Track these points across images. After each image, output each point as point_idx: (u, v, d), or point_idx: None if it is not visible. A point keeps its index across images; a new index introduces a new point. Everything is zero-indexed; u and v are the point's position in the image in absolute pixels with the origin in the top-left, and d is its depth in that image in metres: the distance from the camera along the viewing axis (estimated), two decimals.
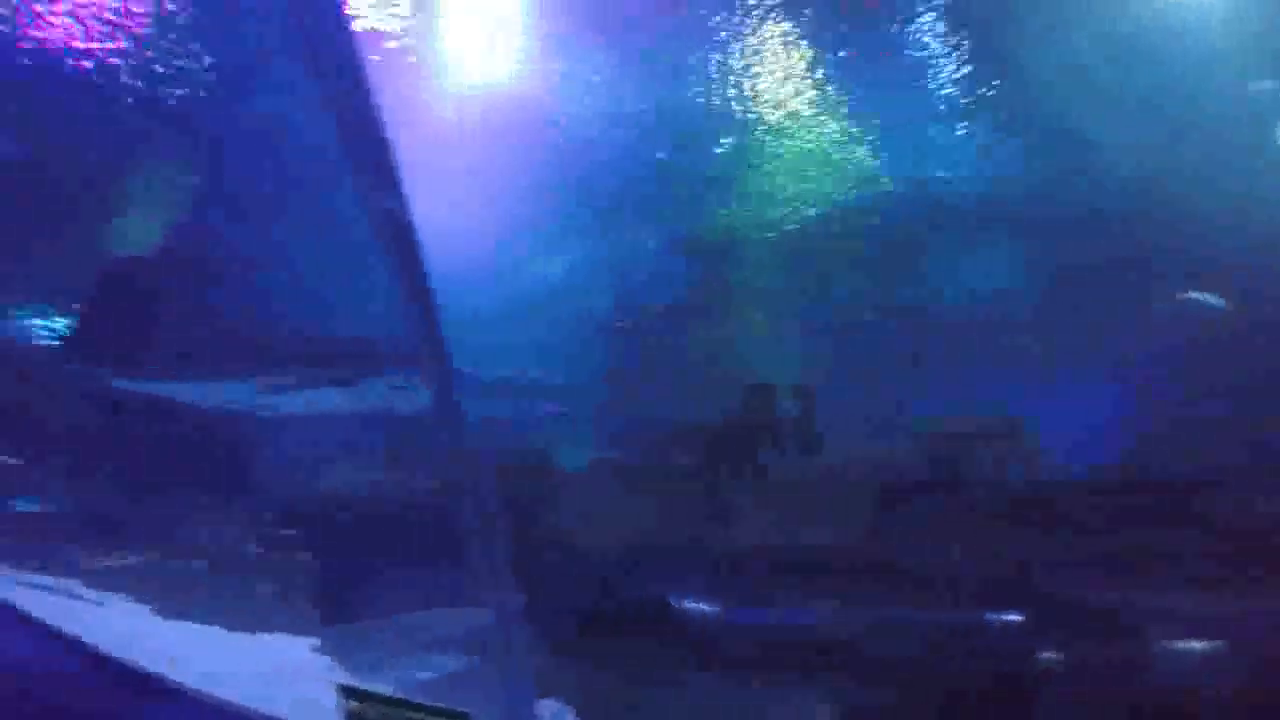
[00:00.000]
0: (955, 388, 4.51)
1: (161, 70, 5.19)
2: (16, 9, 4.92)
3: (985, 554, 4.19)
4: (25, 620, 4.48)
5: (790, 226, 5.25)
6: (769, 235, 5.08)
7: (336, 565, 5.35)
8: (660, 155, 4.92)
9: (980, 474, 4.36)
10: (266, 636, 5.20)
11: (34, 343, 6.13)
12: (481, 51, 4.69)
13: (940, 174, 5.17)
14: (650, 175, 4.98)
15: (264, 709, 3.98)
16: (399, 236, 3.11)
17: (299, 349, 5.60)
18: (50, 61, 5.06)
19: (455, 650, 4.30)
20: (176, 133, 5.39)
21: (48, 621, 4.41)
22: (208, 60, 4.92)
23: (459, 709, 2.60)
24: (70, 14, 4.93)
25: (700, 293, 4.92)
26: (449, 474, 3.94)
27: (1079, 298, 5.10)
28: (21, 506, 6.29)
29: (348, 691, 2.63)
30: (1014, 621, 4.08)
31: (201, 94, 5.25)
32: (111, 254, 5.80)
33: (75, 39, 5.01)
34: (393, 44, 4.35)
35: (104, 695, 3.83)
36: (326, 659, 4.73)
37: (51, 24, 5.02)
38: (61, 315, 6.05)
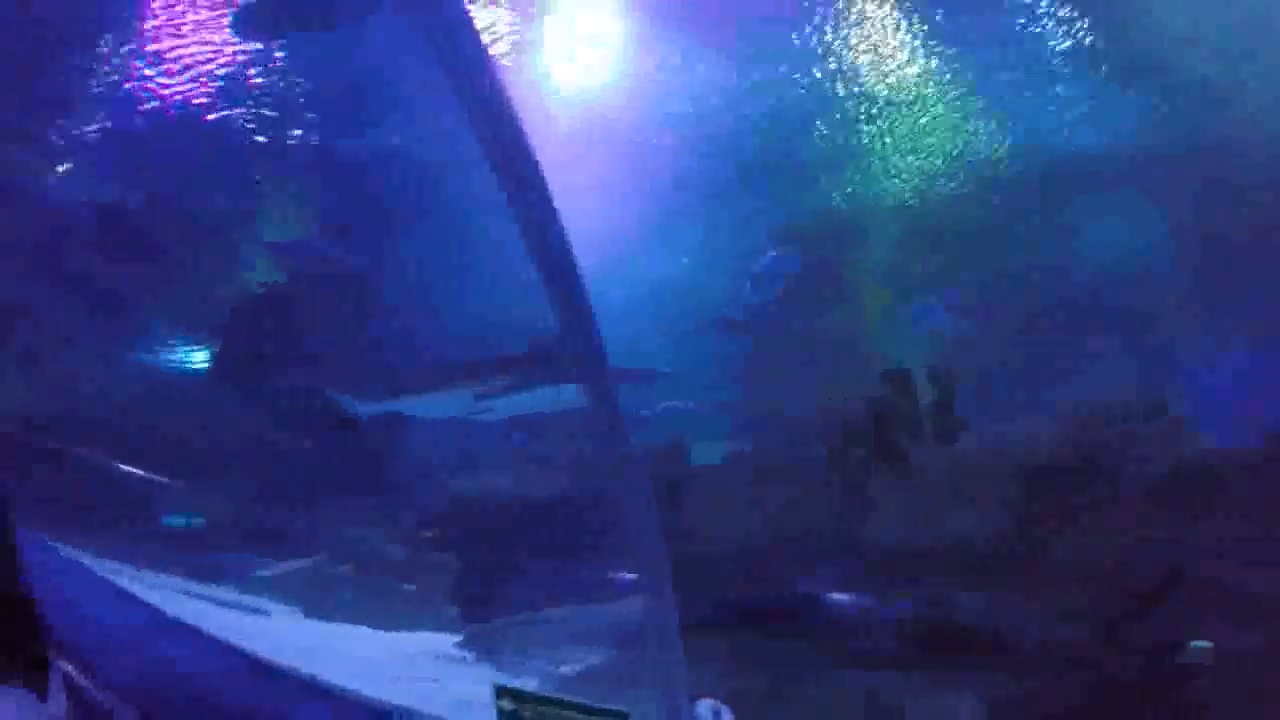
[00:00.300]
0: (1098, 365, 4.31)
1: (315, 119, 5.49)
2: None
3: (1136, 539, 4.00)
4: (192, 630, 4.70)
5: (912, 202, 5.11)
6: (892, 214, 4.95)
7: (491, 564, 5.49)
8: (780, 142, 4.87)
9: (1127, 456, 4.16)
10: (422, 635, 5.33)
11: (195, 369, 6.58)
12: (597, 68, 4.74)
13: (1063, 137, 4.94)
14: (772, 163, 4.93)
15: (421, 708, 4.07)
16: (552, 250, 3.15)
17: (459, 361, 5.79)
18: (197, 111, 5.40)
19: (609, 646, 4.33)
20: (351, 179, 5.68)
21: (213, 631, 4.61)
22: (371, 106, 5.14)
23: (615, 707, 2.59)
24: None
25: (831, 279, 4.84)
26: (603, 472, 3.96)
27: (1219, 263, 4.81)
28: (187, 523, 6.70)
29: (503, 691, 2.66)
30: (1169, 608, 3.89)
31: (366, 146, 5.52)
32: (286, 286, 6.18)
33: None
34: (524, 71, 4.45)
35: (264, 696, 3.98)
36: (479, 656, 4.87)
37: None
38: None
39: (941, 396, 4.25)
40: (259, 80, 5.35)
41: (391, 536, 6.13)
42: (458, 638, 5.14)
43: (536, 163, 2.97)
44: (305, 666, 4.43)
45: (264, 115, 5.49)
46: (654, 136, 5.12)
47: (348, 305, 6.19)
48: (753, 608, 3.87)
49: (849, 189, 4.92)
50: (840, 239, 4.95)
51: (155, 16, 5.14)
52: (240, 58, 5.24)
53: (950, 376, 4.28)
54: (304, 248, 6.30)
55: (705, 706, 2.89)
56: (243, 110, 5.47)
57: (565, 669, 4.34)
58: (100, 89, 5.50)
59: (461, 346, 6.04)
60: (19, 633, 1.63)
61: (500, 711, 2.76)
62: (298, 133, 5.63)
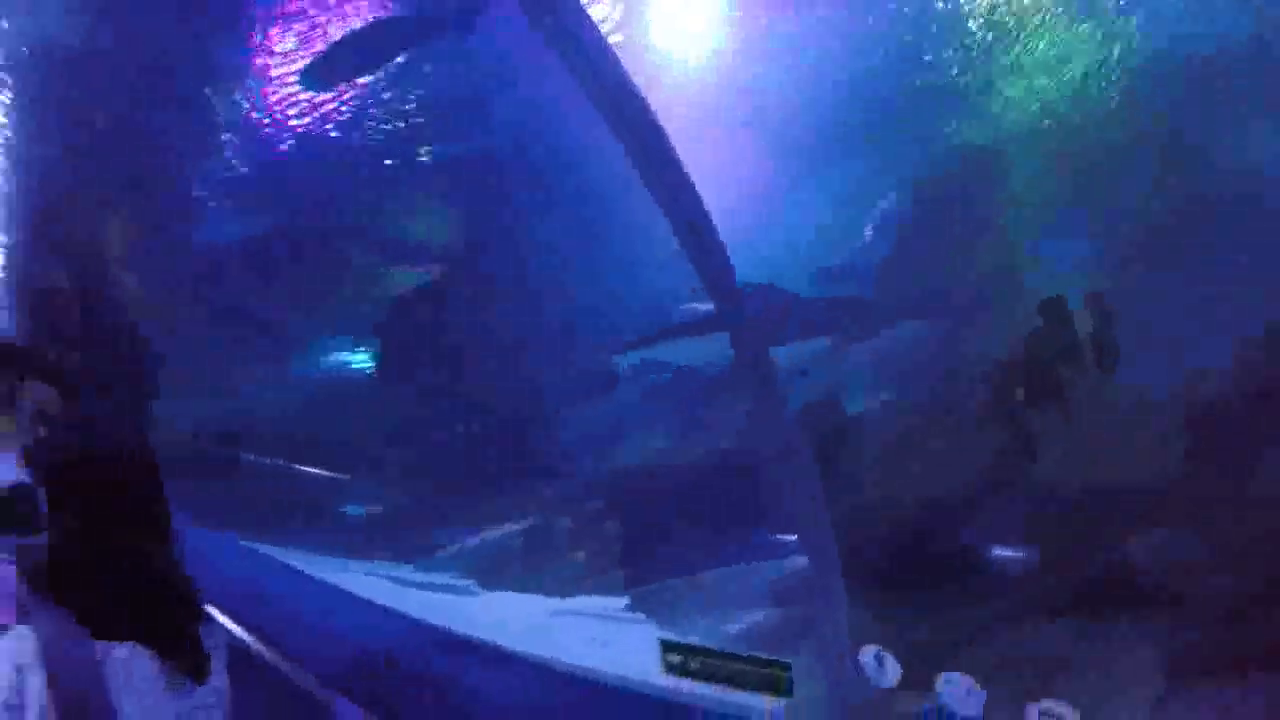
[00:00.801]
0: (1265, 287, 3.93)
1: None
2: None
3: None
4: (371, 604, 5.04)
5: (1047, 128, 4.80)
6: (1026, 143, 4.67)
7: (655, 528, 5.64)
8: (900, 81, 4.67)
9: None
10: (591, 600, 5.54)
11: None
12: (708, 30, 4.67)
13: (1209, 42, 4.48)
14: (895, 105, 4.74)
15: (592, 666, 4.25)
16: (693, 219, 3.17)
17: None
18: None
19: (773, 603, 4.38)
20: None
21: (393, 605, 4.92)
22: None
23: (779, 658, 2.63)
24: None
25: (977, 210, 4.61)
26: (759, 429, 3.97)
27: None
28: (364, 510, 7.24)
29: (669, 645, 2.76)
30: None
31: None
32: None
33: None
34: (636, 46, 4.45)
35: (440, 662, 4.22)
36: (646, 617, 5.04)
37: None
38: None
39: (1100, 327, 3.99)
40: (384, 102, 5.64)
41: (559, 508, 6.38)
42: (625, 600, 5.31)
43: (665, 136, 2.98)
44: (481, 634, 4.68)
45: (395, 132, 5.79)
46: (773, 92, 5.01)
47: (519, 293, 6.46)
48: (914, 560, 3.80)
49: (980, 122, 4.69)
50: (977, 174, 4.73)
51: (274, 65, 5.51)
52: (359, 89, 5.56)
53: (1105, 305, 4.01)
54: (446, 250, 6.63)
55: (869, 654, 2.89)
56: (373, 132, 5.79)
57: (730, 627, 4.41)
58: (238, 134, 5.95)
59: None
60: (174, 614, 1.85)
61: (668, 665, 2.87)
62: (429, 146, 5.93)
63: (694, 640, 4.39)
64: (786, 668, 2.63)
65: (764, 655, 2.73)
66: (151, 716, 1.69)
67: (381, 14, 5.26)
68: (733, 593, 4.67)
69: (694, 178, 3.43)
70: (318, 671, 3.47)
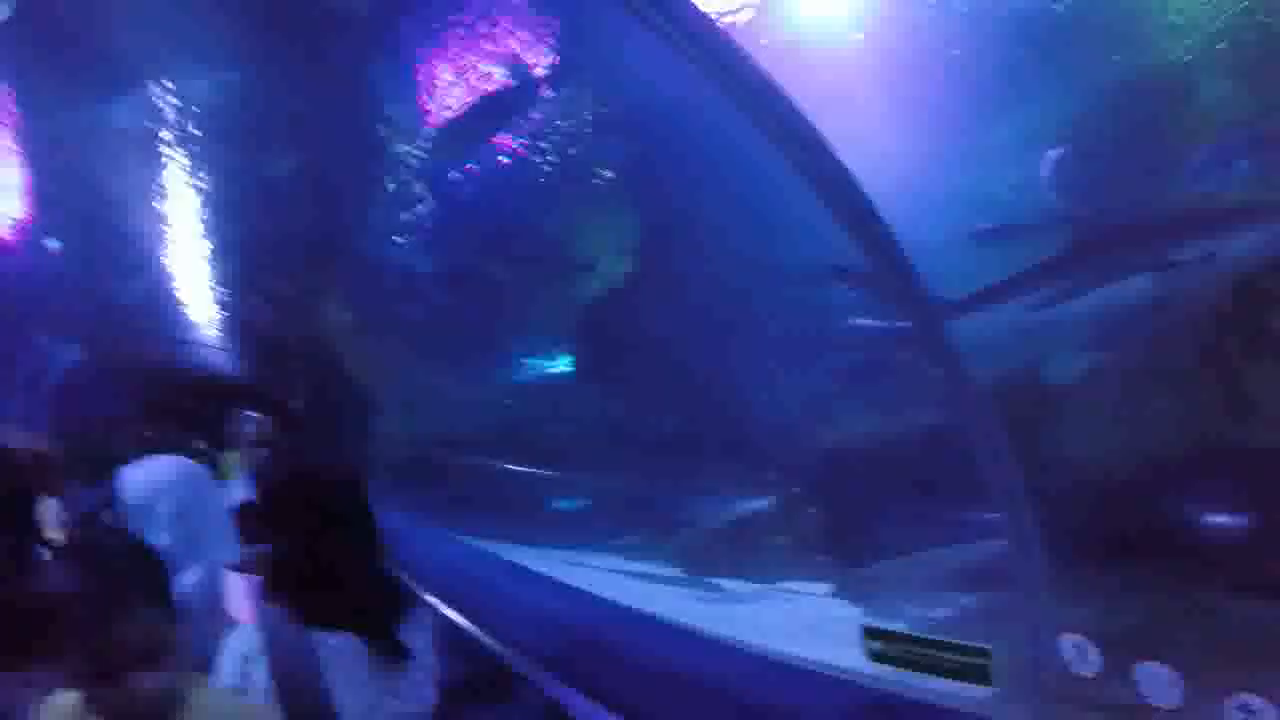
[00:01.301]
0: None
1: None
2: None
3: None
4: (581, 591, 5.30)
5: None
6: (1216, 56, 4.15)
7: (855, 508, 5.58)
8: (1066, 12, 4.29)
9: None
10: (793, 584, 5.56)
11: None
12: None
13: None
14: (1058, 41, 4.35)
15: (793, 651, 4.26)
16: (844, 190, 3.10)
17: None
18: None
19: (970, 586, 4.21)
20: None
21: (604, 594, 5.13)
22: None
23: (977, 644, 2.56)
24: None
25: (1158, 144, 4.16)
26: (950, 405, 3.84)
27: None
28: (565, 506, 7.63)
29: (871, 631, 2.75)
30: None
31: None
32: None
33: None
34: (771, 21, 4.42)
35: (648, 645, 4.33)
36: (850, 602, 4.97)
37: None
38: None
39: None
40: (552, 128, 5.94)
41: (760, 494, 6.43)
42: (828, 586, 5.27)
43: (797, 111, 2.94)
44: (684, 619, 4.81)
45: (566, 153, 6.09)
46: (915, 49, 4.76)
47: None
48: (1122, 537, 3.51)
49: (1154, 49, 4.23)
50: (1155, 104, 4.26)
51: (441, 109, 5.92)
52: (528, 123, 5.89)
53: None
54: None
55: (1069, 644, 2.73)
56: (546, 154, 6.11)
57: (932, 612, 4.28)
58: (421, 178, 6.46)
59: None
60: (382, 607, 2.10)
61: (869, 651, 2.88)
62: (597, 162, 6.18)
63: (899, 624, 4.33)
64: (987, 655, 2.57)
65: (964, 642, 2.68)
66: (359, 694, 1.95)
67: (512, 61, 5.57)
68: (933, 576, 4.53)
69: (842, 145, 3.35)
70: (529, 653, 3.72)
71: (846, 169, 3.16)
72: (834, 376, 6.39)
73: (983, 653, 2.55)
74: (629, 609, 4.79)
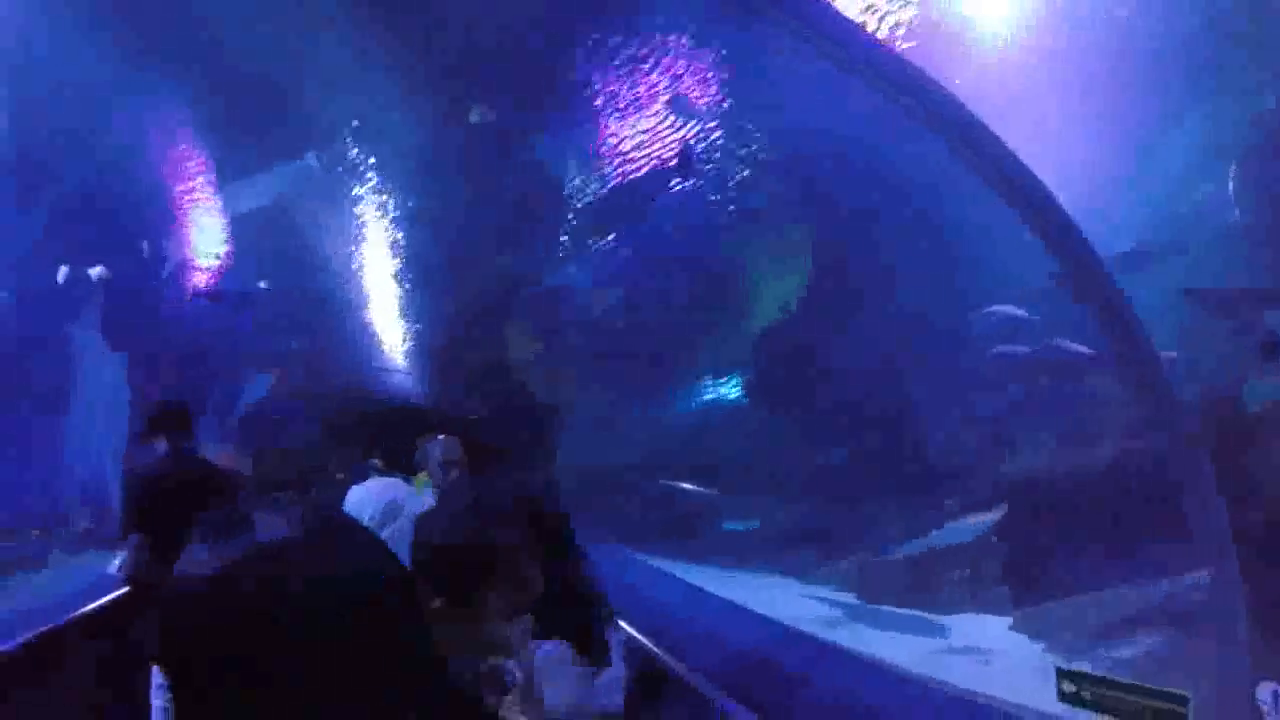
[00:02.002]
0: None
1: None
2: None
3: None
4: (754, 612, 5.36)
5: None
6: None
7: (1040, 545, 5.42)
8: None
9: None
10: (973, 618, 5.45)
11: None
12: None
13: None
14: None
15: (975, 688, 4.18)
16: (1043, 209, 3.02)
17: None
18: None
19: (1166, 627, 4.00)
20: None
21: (777, 617, 5.18)
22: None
23: (1175, 690, 2.49)
24: None
25: None
26: (1147, 429, 3.66)
27: None
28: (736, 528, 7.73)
29: (1064, 673, 2.73)
30: None
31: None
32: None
33: None
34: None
35: (819, 670, 4.30)
36: (1031, 638, 4.80)
37: None
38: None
39: None
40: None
41: (939, 523, 6.32)
42: (1009, 620, 5.14)
43: (990, 131, 2.91)
44: (857, 646, 4.80)
45: (738, 181, 6.30)
46: (1089, 53, 4.58)
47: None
48: None
49: None
50: None
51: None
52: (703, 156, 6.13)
53: None
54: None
55: (1267, 691, 2.60)
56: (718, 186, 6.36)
57: (1120, 652, 4.10)
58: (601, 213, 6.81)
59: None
60: (587, 617, 2.32)
61: (1061, 693, 2.85)
62: (769, 190, 6.32)
63: (1082, 663, 4.17)
64: (1185, 701, 2.51)
65: (1162, 687, 2.63)
66: (566, 696, 2.17)
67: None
68: (1122, 614, 4.33)
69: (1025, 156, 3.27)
70: (702, 668, 3.87)
71: (1041, 182, 3.07)
72: (1017, 405, 6.23)
73: (1180, 699, 2.48)
74: (797, 631, 4.83)
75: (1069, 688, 2.76)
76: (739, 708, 3.57)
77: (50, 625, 4.40)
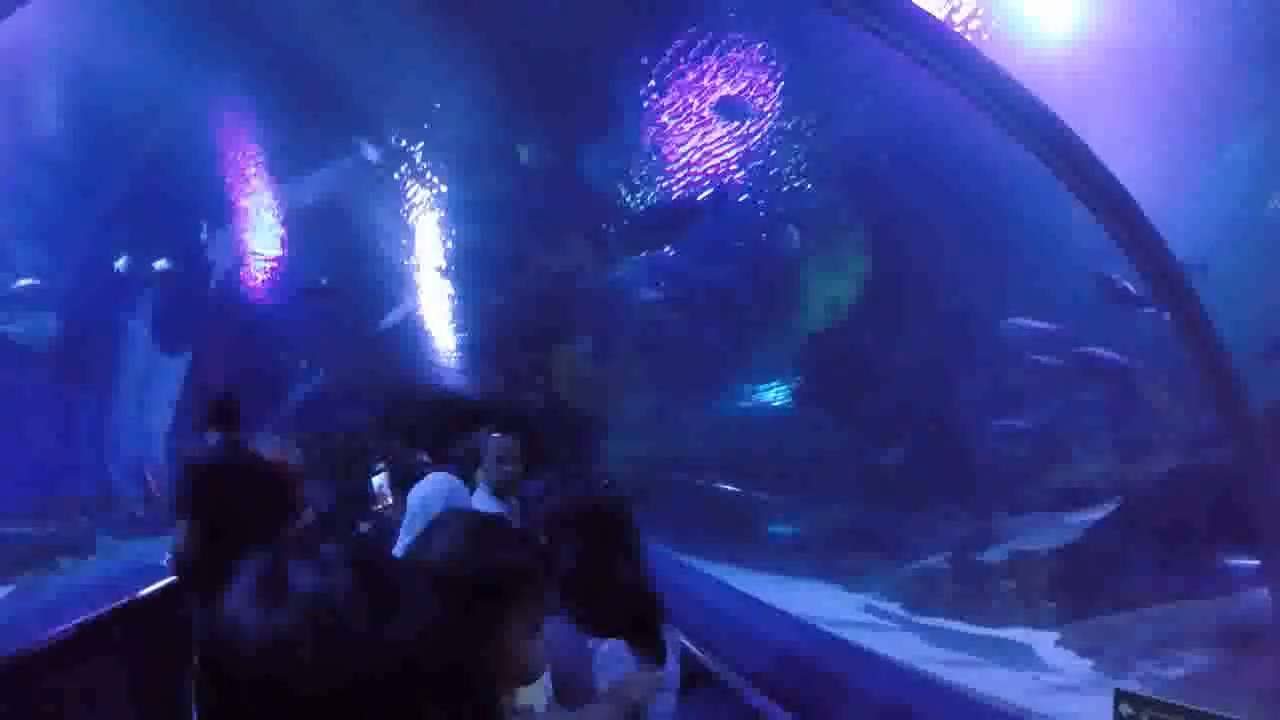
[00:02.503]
0: None
1: None
2: None
3: None
4: (793, 617, 5.35)
5: None
6: None
7: (1091, 556, 5.36)
8: None
9: None
10: (1021, 630, 5.32)
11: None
12: None
13: None
14: None
15: (1020, 703, 4.13)
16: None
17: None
18: None
19: (1222, 646, 3.91)
20: None
21: (823, 625, 5.15)
22: None
23: (1235, 716, 2.44)
24: None
25: None
26: (1214, 438, 3.53)
27: None
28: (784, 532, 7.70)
29: (1123, 695, 2.69)
30: None
31: None
32: None
33: None
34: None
35: (865, 680, 4.27)
36: (1080, 653, 4.73)
37: None
38: None
39: None
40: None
41: (988, 534, 6.27)
42: (1057, 634, 5.08)
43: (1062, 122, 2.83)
44: (901, 654, 4.75)
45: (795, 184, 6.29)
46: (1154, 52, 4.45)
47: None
48: None
49: None
50: None
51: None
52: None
53: None
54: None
55: None
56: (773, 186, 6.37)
57: (1171, 671, 4.03)
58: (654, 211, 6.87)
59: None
60: (647, 616, 2.33)
61: (1118, 716, 2.81)
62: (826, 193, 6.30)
63: (1130, 682, 4.11)
64: None
65: (1226, 714, 2.59)
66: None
67: None
68: (1178, 631, 4.25)
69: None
70: (746, 672, 3.89)
71: (1118, 180, 2.97)
72: (1073, 413, 6.14)
73: None
74: (841, 637, 4.81)
75: (1127, 711, 2.73)
76: (779, 710, 3.58)
77: (98, 610, 4.44)
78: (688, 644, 3.39)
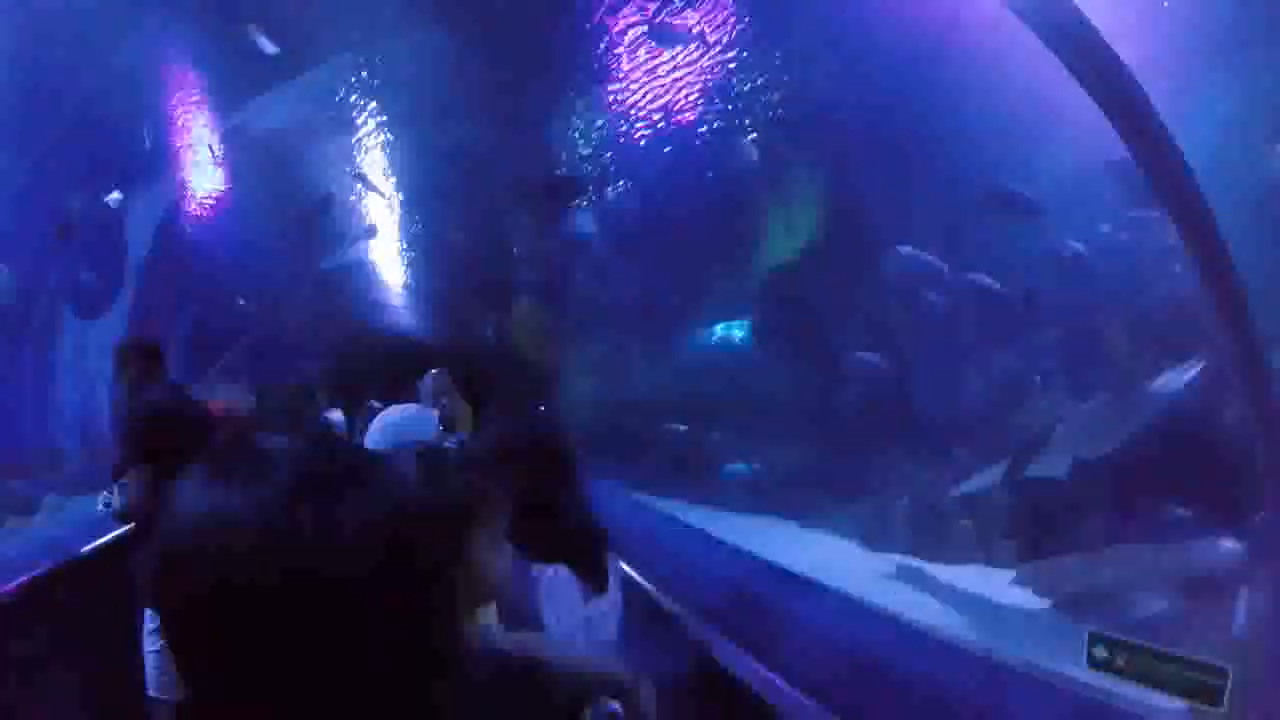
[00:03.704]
0: None
1: None
2: None
3: None
4: (741, 549, 5.30)
5: None
6: None
7: (1050, 493, 5.23)
8: None
9: None
10: (977, 569, 5.28)
11: None
12: None
13: None
14: None
15: (972, 638, 4.07)
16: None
17: None
18: None
19: (1181, 592, 3.88)
20: None
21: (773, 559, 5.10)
22: None
23: (1216, 661, 2.35)
24: None
25: None
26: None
27: None
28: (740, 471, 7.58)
29: (1097, 637, 2.58)
30: None
31: None
32: None
33: None
34: None
35: (818, 616, 4.23)
36: (1037, 593, 4.65)
37: None
38: None
39: None
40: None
41: (944, 474, 6.23)
42: (1012, 573, 5.03)
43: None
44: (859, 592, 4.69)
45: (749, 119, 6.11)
46: None
47: None
48: None
49: None
50: None
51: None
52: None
53: None
54: None
55: None
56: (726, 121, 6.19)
57: (1130, 615, 3.97)
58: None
59: None
60: (588, 544, 2.45)
61: (1091, 657, 2.71)
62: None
63: (1088, 624, 4.04)
64: (1225, 675, 2.37)
65: (1197, 658, 2.47)
66: (566, 617, 2.17)
67: None
68: (1140, 576, 4.19)
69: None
70: (690, 601, 3.84)
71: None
72: (1037, 355, 6.09)
73: (1220, 672, 2.35)
74: (792, 573, 4.75)
75: (1101, 653, 2.62)
76: (724, 641, 3.54)
77: (46, 567, 4.40)
78: (630, 572, 3.37)
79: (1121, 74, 2.50)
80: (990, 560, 5.36)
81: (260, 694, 0.87)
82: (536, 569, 2.27)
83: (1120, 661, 2.62)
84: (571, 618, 2.26)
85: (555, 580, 2.28)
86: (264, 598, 0.84)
